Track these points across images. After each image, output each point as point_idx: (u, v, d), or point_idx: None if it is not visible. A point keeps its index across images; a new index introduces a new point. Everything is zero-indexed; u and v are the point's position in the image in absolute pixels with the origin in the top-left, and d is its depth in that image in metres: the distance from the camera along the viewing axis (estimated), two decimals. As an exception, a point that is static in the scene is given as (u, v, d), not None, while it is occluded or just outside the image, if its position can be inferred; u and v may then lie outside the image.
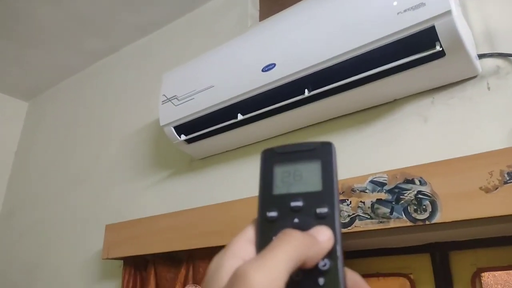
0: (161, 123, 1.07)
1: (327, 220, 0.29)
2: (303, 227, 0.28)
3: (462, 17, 0.74)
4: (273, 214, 0.30)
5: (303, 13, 0.89)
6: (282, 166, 0.32)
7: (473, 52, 0.75)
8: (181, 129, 1.05)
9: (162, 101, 1.07)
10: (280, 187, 0.31)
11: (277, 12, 1.20)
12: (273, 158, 0.32)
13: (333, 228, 0.28)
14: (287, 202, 0.30)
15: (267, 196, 0.31)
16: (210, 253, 0.96)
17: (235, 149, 1.11)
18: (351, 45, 0.78)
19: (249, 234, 0.29)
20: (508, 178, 0.56)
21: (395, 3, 0.74)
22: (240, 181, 1.07)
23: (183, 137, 1.06)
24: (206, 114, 1.00)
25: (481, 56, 0.77)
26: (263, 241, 0.28)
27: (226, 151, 1.13)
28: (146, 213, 1.19)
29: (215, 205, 0.98)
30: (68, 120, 1.71)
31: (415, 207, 0.67)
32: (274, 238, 0.27)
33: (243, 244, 0.28)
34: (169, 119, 1.05)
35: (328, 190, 0.30)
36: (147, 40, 1.55)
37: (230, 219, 0.92)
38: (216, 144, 1.08)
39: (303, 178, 0.31)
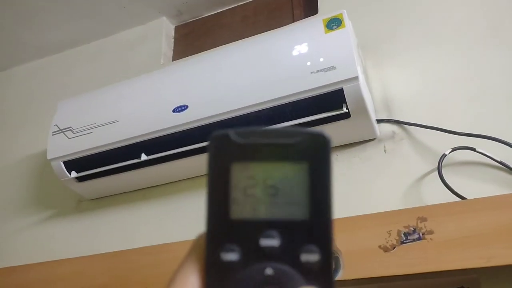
0: (49, 156, 0.94)
1: (318, 274, 0.17)
2: (281, 284, 0.17)
3: (365, 84, 0.81)
4: (231, 256, 0.18)
5: (220, 58, 0.88)
6: (244, 167, 0.19)
7: (373, 117, 0.81)
8: (72, 164, 0.94)
9: (53, 132, 0.95)
10: (241, 207, 0.18)
11: (191, 54, 1.19)
12: (229, 151, 0.20)
13: None
14: (254, 236, 0.18)
15: (220, 220, 0.18)
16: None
17: (133, 191, 1.02)
18: (264, 96, 0.79)
19: (191, 286, 0.18)
20: (404, 238, 0.60)
21: (308, 63, 0.78)
22: (134, 227, 0.97)
23: (73, 174, 0.94)
24: (105, 151, 0.90)
25: (379, 121, 0.84)
26: None
27: (123, 192, 1.02)
28: (18, 260, 1.00)
29: (102, 254, 0.86)
30: None
31: (319, 263, 0.66)
32: None
33: None
34: (59, 153, 0.93)
35: (320, 219, 0.17)
36: (45, 61, 1.39)
37: (119, 272, 0.81)
38: (112, 184, 0.98)
39: (279, 192, 0.18)
